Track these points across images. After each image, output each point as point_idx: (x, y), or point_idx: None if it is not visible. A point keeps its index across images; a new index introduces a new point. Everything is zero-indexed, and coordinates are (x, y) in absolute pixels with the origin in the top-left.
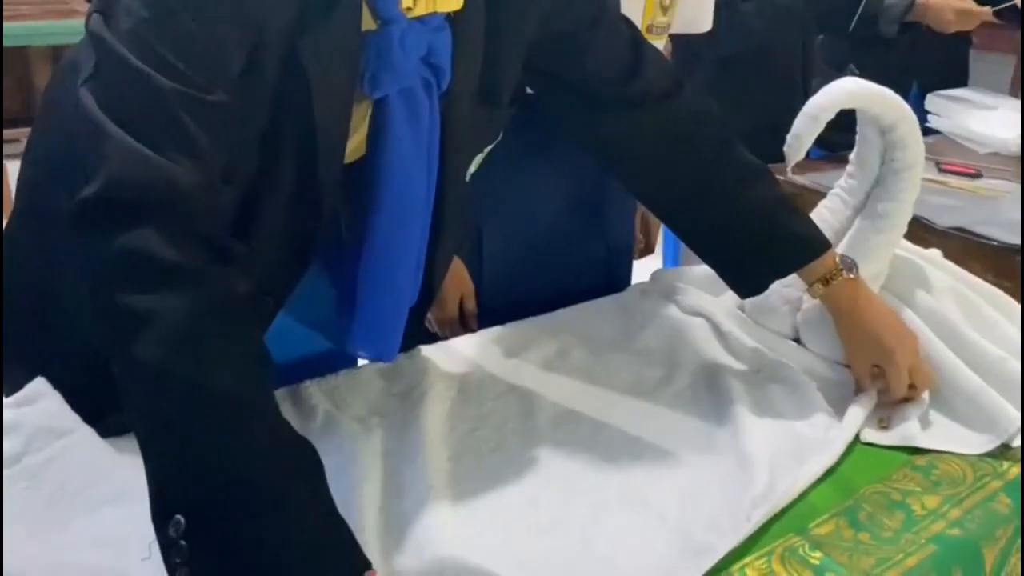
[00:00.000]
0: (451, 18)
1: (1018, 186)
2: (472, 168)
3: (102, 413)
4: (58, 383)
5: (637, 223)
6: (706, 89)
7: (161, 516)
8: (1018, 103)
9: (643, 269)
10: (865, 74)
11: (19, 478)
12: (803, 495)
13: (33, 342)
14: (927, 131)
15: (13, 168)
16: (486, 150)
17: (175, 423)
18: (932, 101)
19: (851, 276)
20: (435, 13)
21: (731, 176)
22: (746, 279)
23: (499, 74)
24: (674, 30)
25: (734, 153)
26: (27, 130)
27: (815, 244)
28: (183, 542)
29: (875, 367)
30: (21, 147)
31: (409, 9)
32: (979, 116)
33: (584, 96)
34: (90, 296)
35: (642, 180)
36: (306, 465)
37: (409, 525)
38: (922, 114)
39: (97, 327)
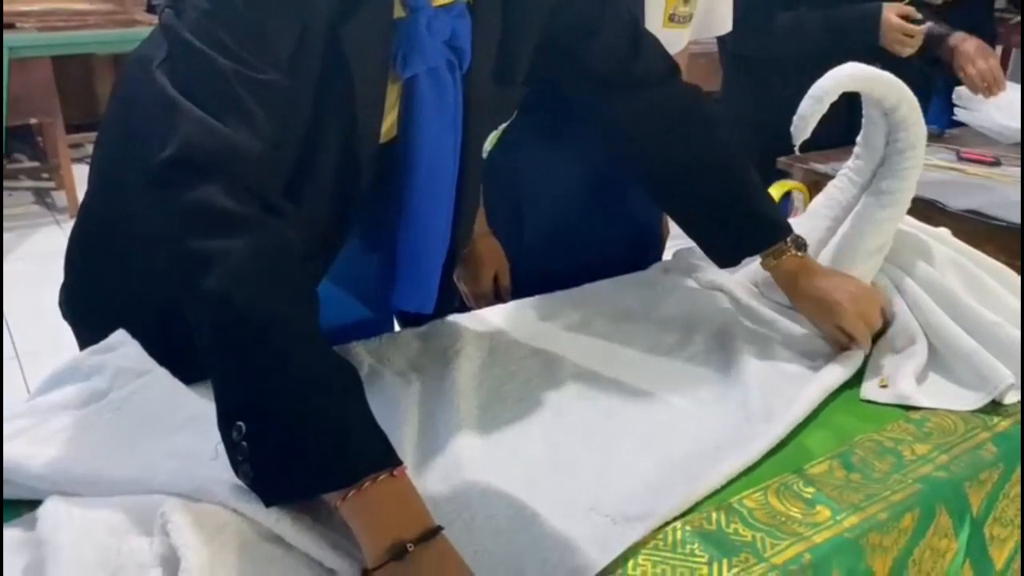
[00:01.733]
0: (470, 5)
1: None
2: (488, 145)
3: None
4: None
5: None
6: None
7: (225, 422)
8: None
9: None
10: (890, 66)
11: (105, 410)
12: (800, 441)
13: (110, 308)
14: (953, 123)
15: (78, 171)
16: (501, 127)
17: (236, 342)
18: (959, 94)
19: (799, 254)
20: (456, 1)
21: (717, 157)
22: (724, 252)
23: (513, 56)
24: (694, 36)
25: (720, 136)
26: (91, 135)
27: (782, 228)
28: (244, 443)
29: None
30: (84, 152)
31: None
32: (1004, 110)
33: (588, 77)
34: (164, 244)
35: (638, 156)
36: (348, 381)
37: (441, 457)
38: (950, 107)
39: (170, 269)
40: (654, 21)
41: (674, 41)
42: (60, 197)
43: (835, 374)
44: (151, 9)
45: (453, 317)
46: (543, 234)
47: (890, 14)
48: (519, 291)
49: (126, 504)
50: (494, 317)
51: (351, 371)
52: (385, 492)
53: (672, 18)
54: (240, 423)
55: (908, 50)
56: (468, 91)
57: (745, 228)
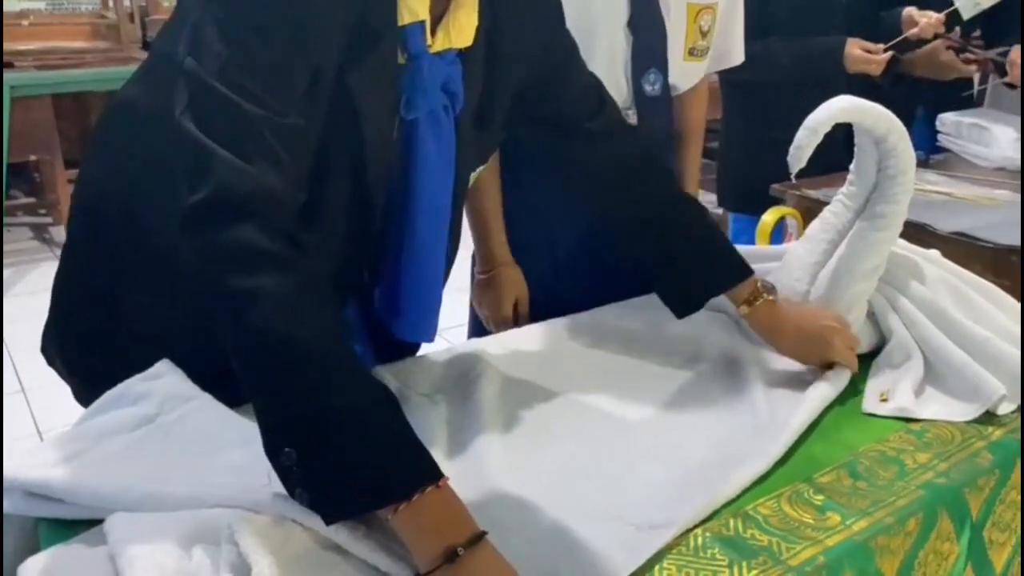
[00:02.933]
0: (461, 53)
1: (1018, 196)
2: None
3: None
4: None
5: None
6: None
7: (274, 449)
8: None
9: None
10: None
11: (156, 432)
12: (809, 452)
13: (97, 345)
14: (938, 149)
15: None
16: (479, 169)
17: (278, 373)
18: (943, 121)
19: (771, 298)
20: (450, 49)
21: (675, 206)
22: (685, 298)
23: (495, 102)
24: (709, 69)
25: (676, 186)
26: None
27: (742, 269)
28: (296, 468)
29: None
30: None
31: (430, 46)
32: (988, 136)
33: (556, 125)
34: (205, 282)
35: (601, 207)
36: (389, 402)
37: (471, 472)
38: (933, 134)
39: (212, 306)
40: (676, 55)
41: (693, 73)
42: (59, 232)
43: (828, 388)
44: (146, 47)
45: (474, 341)
46: (565, 266)
47: (852, 48)
48: (536, 316)
49: (189, 517)
50: (514, 341)
51: (388, 392)
52: (433, 502)
53: (692, 52)
54: (289, 449)
55: (876, 70)
56: (458, 133)
57: (704, 272)
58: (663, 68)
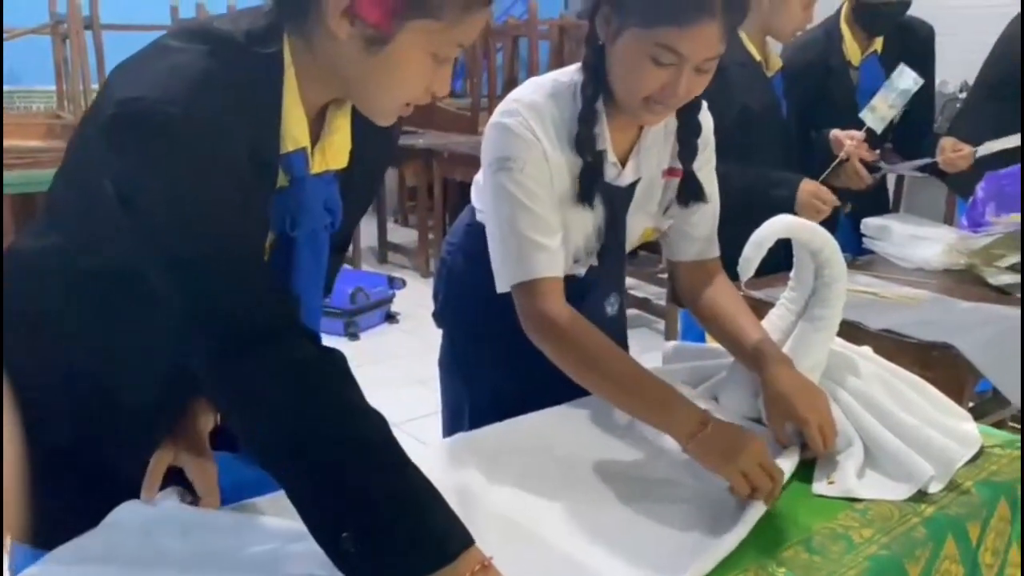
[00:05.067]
0: (338, 173)
1: (937, 295)
2: None
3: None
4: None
5: None
6: None
7: (329, 536)
8: (940, 229)
9: None
10: None
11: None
12: (770, 532)
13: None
14: (863, 251)
15: None
16: None
17: (341, 468)
18: (866, 225)
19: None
20: (328, 170)
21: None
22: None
23: (348, 222)
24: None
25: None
26: None
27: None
28: (353, 549)
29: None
30: None
31: (310, 168)
32: (907, 238)
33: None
34: (271, 405)
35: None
36: (421, 478)
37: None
38: (857, 237)
39: (263, 421)
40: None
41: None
42: None
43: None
44: None
45: (460, 437)
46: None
47: (803, 193)
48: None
49: None
50: (493, 435)
51: (421, 474)
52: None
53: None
54: (345, 534)
55: (822, 216)
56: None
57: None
58: (622, 291)
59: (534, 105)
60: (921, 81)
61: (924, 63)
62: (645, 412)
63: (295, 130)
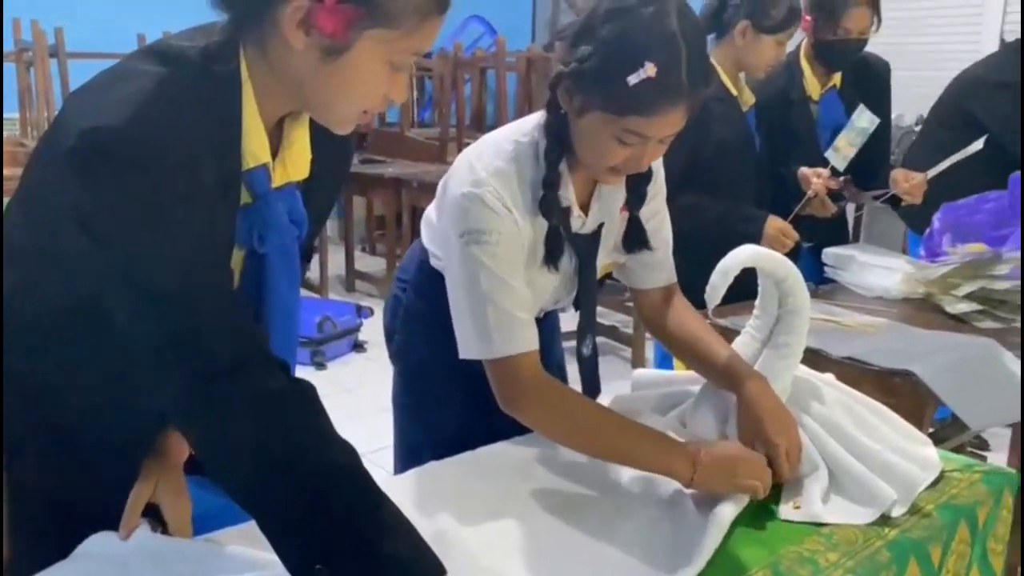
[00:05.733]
0: (299, 183)
1: (897, 323)
2: None
3: None
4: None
5: None
6: None
7: (303, 568)
8: (899, 258)
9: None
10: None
11: None
12: (738, 555)
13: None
14: (824, 280)
15: None
16: None
17: (318, 497)
18: (828, 255)
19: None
20: (289, 183)
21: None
22: None
23: (309, 230)
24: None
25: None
26: None
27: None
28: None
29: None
30: None
31: (272, 182)
32: (867, 268)
33: None
34: (241, 436)
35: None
36: (392, 507)
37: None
38: (818, 266)
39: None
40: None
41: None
42: None
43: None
44: None
45: (431, 466)
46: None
47: (770, 228)
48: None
49: None
50: (462, 467)
51: (390, 502)
52: None
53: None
54: (319, 565)
55: (787, 246)
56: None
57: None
58: (595, 332)
59: (499, 173)
60: (877, 121)
61: (880, 97)
62: (641, 466)
63: (255, 146)
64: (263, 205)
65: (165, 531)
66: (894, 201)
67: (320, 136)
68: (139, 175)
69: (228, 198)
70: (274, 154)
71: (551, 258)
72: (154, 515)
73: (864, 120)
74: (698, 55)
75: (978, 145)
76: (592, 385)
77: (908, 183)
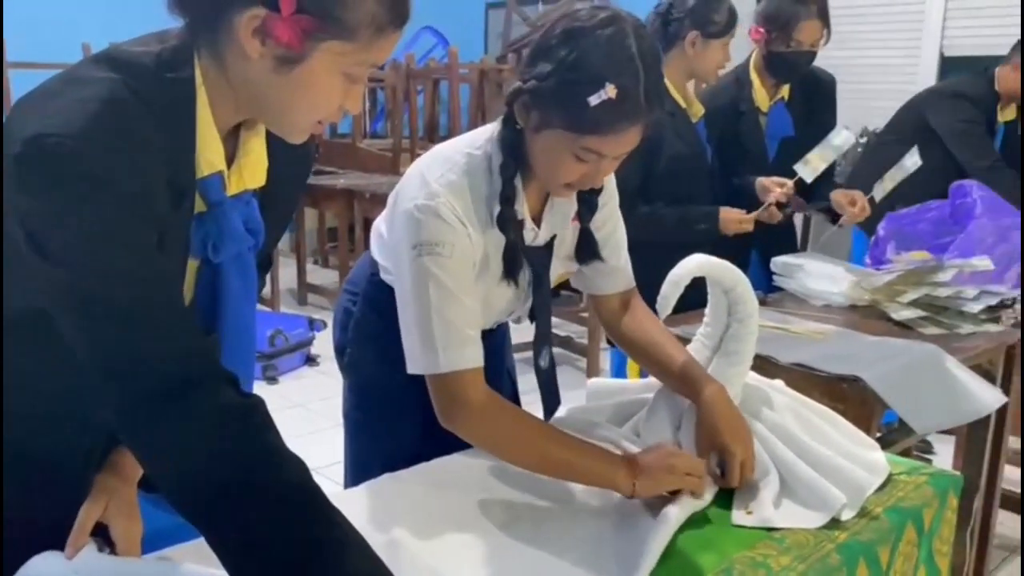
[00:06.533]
0: (256, 191)
1: (844, 330)
2: None
3: None
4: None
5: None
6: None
7: None
8: (845, 267)
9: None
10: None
11: None
12: (691, 560)
13: None
14: (773, 288)
15: None
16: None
17: (288, 522)
18: (776, 264)
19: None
20: (245, 191)
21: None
22: None
23: (267, 239)
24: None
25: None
26: None
27: None
28: None
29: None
30: None
31: (227, 190)
32: (815, 277)
33: None
34: (200, 457)
35: None
36: (344, 523)
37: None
38: (767, 275)
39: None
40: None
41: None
42: None
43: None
44: None
45: (385, 478)
46: None
47: (726, 215)
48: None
49: None
50: (415, 479)
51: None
52: None
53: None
54: None
55: (746, 229)
56: None
57: None
58: (551, 343)
59: (453, 186)
60: (852, 140)
61: (826, 109)
62: (582, 481)
63: (210, 154)
64: (219, 213)
65: (113, 552)
66: (833, 217)
67: (279, 143)
68: (86, 185)
69: (182, 207)
70: (230, 162)
71: (510, 273)
72: (103, 535)
73: (839, 138)
74: (654, 76)
75: (915, 159)
76: (552, 397)
77: (853, 207)
